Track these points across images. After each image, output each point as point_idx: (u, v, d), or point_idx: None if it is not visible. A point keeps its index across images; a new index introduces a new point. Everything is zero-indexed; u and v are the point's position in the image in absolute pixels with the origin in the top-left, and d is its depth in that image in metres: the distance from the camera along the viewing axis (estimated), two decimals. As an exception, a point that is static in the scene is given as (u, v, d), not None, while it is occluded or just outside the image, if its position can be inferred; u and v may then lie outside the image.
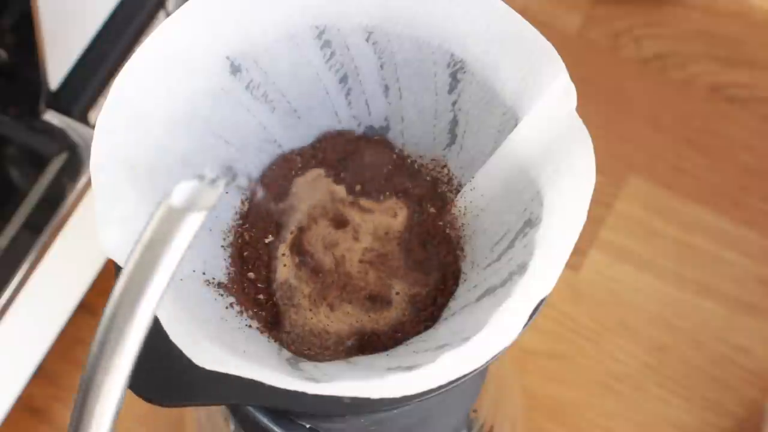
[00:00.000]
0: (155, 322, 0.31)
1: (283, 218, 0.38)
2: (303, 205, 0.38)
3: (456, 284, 0.36)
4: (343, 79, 0.38)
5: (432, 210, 0.38)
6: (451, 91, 0.37)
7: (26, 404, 0.59)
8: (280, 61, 0.37)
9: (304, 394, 0.31)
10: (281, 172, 0.39)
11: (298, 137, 0.39)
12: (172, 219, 0.26)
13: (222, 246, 0.37)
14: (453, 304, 0.36)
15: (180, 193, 0.26)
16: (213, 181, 0.27)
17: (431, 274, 0.37)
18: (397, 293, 0.37)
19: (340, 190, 0.38)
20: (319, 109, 0.39)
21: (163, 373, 0.33)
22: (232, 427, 0.44)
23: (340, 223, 0.38)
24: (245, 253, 0.37)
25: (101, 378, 0.26)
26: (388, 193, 0.39)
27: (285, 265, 0.37)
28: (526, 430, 0.59)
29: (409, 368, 0.32)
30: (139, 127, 0.35)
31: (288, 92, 0.38)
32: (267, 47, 0.37)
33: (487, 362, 0.31)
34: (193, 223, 0.26)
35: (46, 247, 0.54)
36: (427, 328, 0.36)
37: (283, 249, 0.37)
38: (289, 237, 0.38)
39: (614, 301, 0.62)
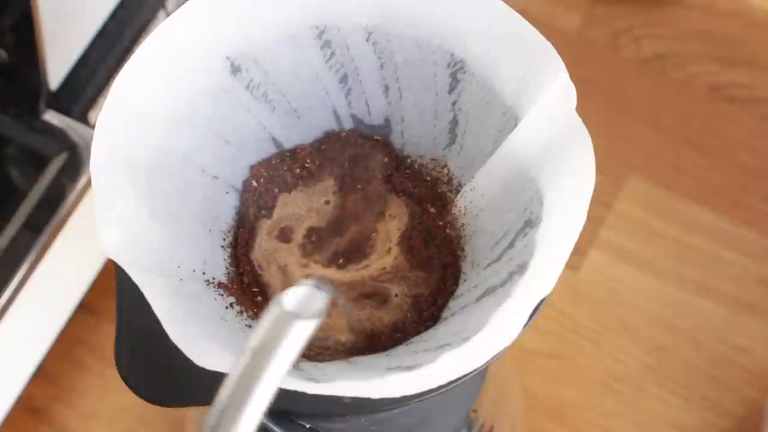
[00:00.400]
0: (155, 322, 0.31)
1: (283, 221, 0.38)
2: (302, 209, 0.38)
3: (456, 284, 0.36)
4: (343, 79, 0.38)
5: (432, 210, 0.38)
6: (451, 91, 0.37)
7: (26, 404, 0.59)
8: (280, 61, 0.37)
9: (304, 394, 0.31)
10: (281, 174, 0.39)
11: (298, 137, 0.39)
12: (283, 324, 0.26)
13: (222, 246, 0.37)
14: (453, 304, 0.36)
15: (291, 298, 0.26)
16: (319, 288, 0.27)
17: (433, 273, 0.37)
18: (396, 295, 0.37)
19: (340, 195, 0.39)
20: (319, 109, 0.39)
21: (163, 373, 0.33)
22: (232, 427, 0.44)
23: (338, 226, 0.38)
24: (245, 254, 0.38)
25: None
26: (388, 193, 0.39)
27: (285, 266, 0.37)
28: (526, 430, 0.59)
29: (409, 368, 0.32)
30: (139, 127, 0.35)
31: (288, 92, 0.38)
32: (267, 47, 0.37)
33: (487, 362, 0.31)
34: (304, 329, 0.26)
35: (46, 247, 0.54)
36: (427, 328, 0.36)
37: (282, 252, 0.37)
38: (289, 240, 0.38)
39: (614, 301, 0.62)
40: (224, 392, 0.26)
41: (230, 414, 0.26)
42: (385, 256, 0.37)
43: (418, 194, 0.38)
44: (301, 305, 0.26)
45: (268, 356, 0.26)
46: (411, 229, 0.38)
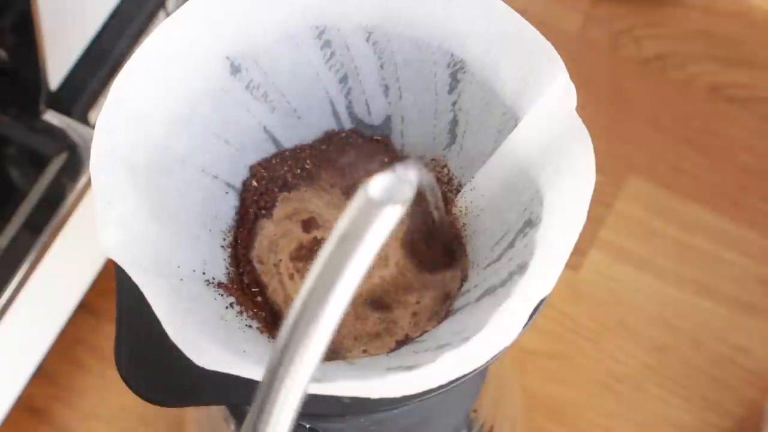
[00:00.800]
0: (155, 322, 0.31)
1: (283, 221, 0.38)
2: (303, 209, 0.38)
3: (462, 283, 0.36)
4: (343, 79, 0.38)
5: (430, 221, 0.38)
6: (451, 91, 0.37)
7: (26, 404, 0.59)
8: (280, 61, 0.37)
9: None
10: (281, 174, 0.39)
11: (298, 137, 0.39)
12: (370, 211, 0.26)
13: (222, 246, 0.37)
14: (454, 304, 0.36)
15: (377, 186, 0.26)
16: (405, 174, 0.26)
17: (437, 273, 0.37)
18: (399, 302, 0.37)
19: (340, 197, 0.38)
20: (319, 109, 0.39)
21: (163, 373, 0.33)
22: (232, 427, 0.45)
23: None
24: (244, 254, 0.38)
25: (285, 371, 0.26)
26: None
27: (284, 273, 0.37)
28: (526, 430, 0.59)
29: (409, 368, 0.32)
30: (139, 127, 0.35)
31: (288, 92, 0.38)
32: (267, 47, 0.37)
33: (487, 362, 0.31)
34: (390, 216, 0.26)
35: (46, 247, 0.54)
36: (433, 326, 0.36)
37: (281, 256, 0.37)
38: (289, 244, 0.38)
39: (614, 301, 0.62)
40: (311, 278, 0.26)
41: (318, 298, 0.25)
42: (388, 257, 0.37)
43: (418, 194, 0.38)
44: (387, 193, 0.26)
45: (355, 243, 0.25)
46: (412, 230, 0.38)
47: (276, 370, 0.26)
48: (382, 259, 0.37)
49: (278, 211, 0.38)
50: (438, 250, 0.37)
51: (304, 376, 0.26)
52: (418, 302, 0.36)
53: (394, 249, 0.37)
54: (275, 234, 0.38)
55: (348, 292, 0.26)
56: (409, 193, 0.26)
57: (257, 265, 0.37)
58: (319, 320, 0.26)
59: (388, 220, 0.26)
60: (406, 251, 0.37)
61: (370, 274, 0.37)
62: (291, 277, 0.37)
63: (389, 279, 0.37)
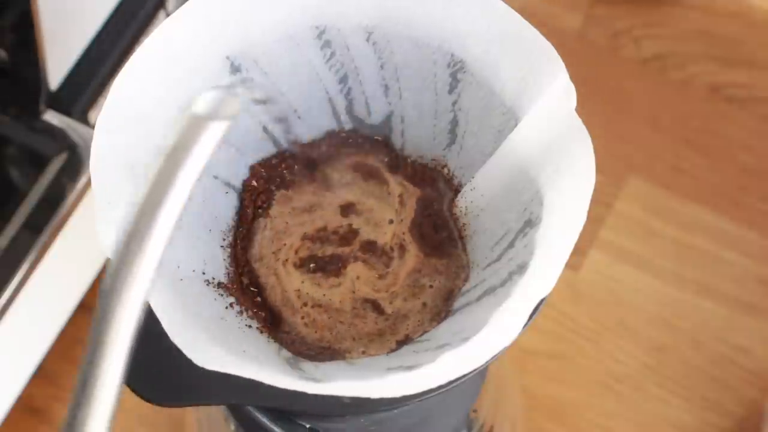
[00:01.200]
0: (155, 322, 0.31)
1: (283, 220, 0.38)
2: (303, 209, 0.38)
3: (466, 279, 0.36)
4: (343, 80, 0.38)
5: (436, 206, 0.38)
6: (451, 91, 0.37)
7: (26, 404, 0.59)
8: (280, 61, 0.37)
9: (304, 394, 0.31)
10: (281, 174, 0.39)
11: (298, 137, 0.39)
12: (196, 127, 0.26)
13: (222, 246, 0.37)
14: (454, 304, 0.36)
15: (203, 102, 0.26)
16: (232, 89, 0.27)
17: (448, 260, 0.37)
18: (431, 285, 0.37)
19: (339, 196, 0.39)
20: (319, 109, 0.39)
21: (163, 373, 0.33)
22: (232, 427, 0.45)
23: (339, 226, 0.38)
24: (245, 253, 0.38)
25: (121, 286, 0.26)
26: (389, 193, 0.39)
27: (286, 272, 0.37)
28: (526, 430, 0.59)
29: (409, 368, 0.32)
30: (139, 127, 0.35)
31: (288, 92, 0.38)
32: (267, 47, 0.37)
33: (487, 362, 0.31)
34: (216, 130, 0.26)
35: (46, 247, 0.54)
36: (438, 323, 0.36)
37: (280, 255, 0.37)
38: (290, 244, 0.38)
39: (614, 301, 0.62)
40: (139, 196, 0.26)
41: (147, 215, 0.26)
42: (398, 250, 0.37)
43: (421, 190, 0.38)
44: (212, 109, 0.27)
45: (182, 158, 0.26)
46: (419, 221, 0.38)
47: (112, 288, 0.26)
48: (395, 248, 0.37)
49: (277, 211, 0.38)
50: (444, 234, 0.37)
51: (139, 292, 0.26)
52: (431, 286, 0.36)
53: (405, 235, 0.37)
54: (275, 233, 0.38)
55: (177, 207, 0.26)
56: (234, 108, 0.26)
57: (256, 264, 0.37)
58: (150, 234, 0.26)
59: (213, 134, 0.26)
60: (414, 235, 0.37)
61: (385, 261, 0.37)
62: (289, 275, 0.37)
63: (403, 267, 0.37)
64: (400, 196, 0.38)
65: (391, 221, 0.38)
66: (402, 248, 0.37)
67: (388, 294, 0.36)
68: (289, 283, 0.37)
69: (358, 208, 0.38)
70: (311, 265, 0.37)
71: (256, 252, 0.38)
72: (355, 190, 0.39)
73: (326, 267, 0.37)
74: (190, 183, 0.26)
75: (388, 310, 0.36)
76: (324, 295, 0.37)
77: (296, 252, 0.37)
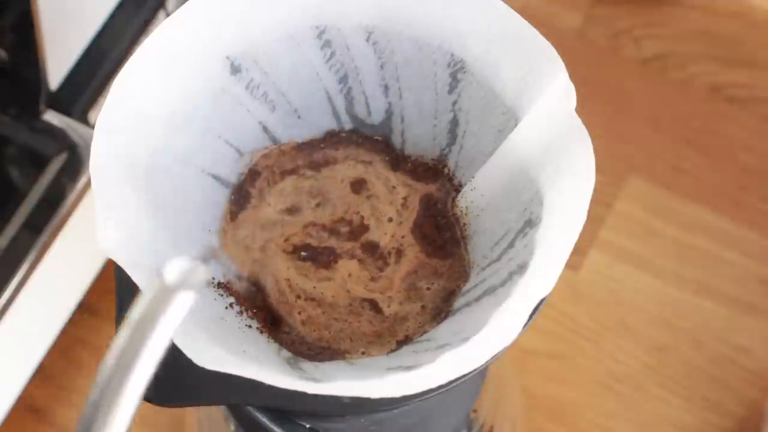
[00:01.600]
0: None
1: (283, 220, 0.38)
2: (303, 208, 0.38)
3: (467, 279, 0.36)
4: (344, 79, 0.38)
5: (439, 206, 0.38)
6: (451, 91, 0.37)
7: (26, 404, 0.59)
8: (280, 61, 0.37)
9: (304, 394, 0.31)
10: (281, 174, 0.39)
11: (299, 137, 0.39)
12: (164, 297, 0.26)
13: (221, 246, 0.37)
14: (454, 303, 0.36)
15: (171, 271, 0.26)
16: (203, 260, 0.27)
17: (449, 260, 0.37)
18: (392, 302, 0.37)
19: (339, 197, 0.38)
20: (319, 109, 0.39)
21: (163, 373, 0.33)
22: (232, 427, 0.45)
23: (340, 225, 0.38)
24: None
25: None
26: (390, 192, 0.39)
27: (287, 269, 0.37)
28: (526, 430, 0.59)
29: (409, 368, 0.32)
30: (139, 127, 0.35)
31: (288, 92, 0.38)
32: (267, 47, 0.37)
33: (487, 362, 0.31)
34: (183, 301, 0.26)
35: (46, 247, 0.54)
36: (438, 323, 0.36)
37: (276, 244, 0.37)
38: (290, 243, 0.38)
39: (614, 301, 0.62)
40: (106, 365, 0.26)
41: (113, 387, 0.26)
42: (395, 255, 0.37)
43: (421, 192, 0.38)
44: (181, 278, 0.26)
45: (149, 329, 0.26)
46: (422, 221, 0.38)
47: None
48: (392, 252, 0.37)
49: (276, 210, 0.38)
50: (447, 234, 0.37)
51: None
52: (429, 288, 0.36)
53: (406, 237, 0.37)
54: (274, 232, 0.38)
55: (143, 378, 0.26)
56: (203, 276, 0.26)
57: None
58: (115, 407, 0.26)
59: (181, 305, 0.26)
60: (416, 236, 0.37)
61: (380, 265, 0.37)
62: (278, 261, 0.37)
63: (404, 267, 0.37)
64: (404, 198, 0.38)
65: (390, 219, 0.38)
66: (399, 253, 0.37)
67: (385, 296, 0.36)
68: (278, 272, 0.37)
69: (359, 212, 0.38)
70: (302, 254, 0.37)
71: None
72: (356, 194, 0.39)
73: (317, 258, 0.37)
74: (158, 355, 0.26)
75: (387, 312, 0.36)
76: (315, 287, 0.36)
77: (288, 239, 0.37)
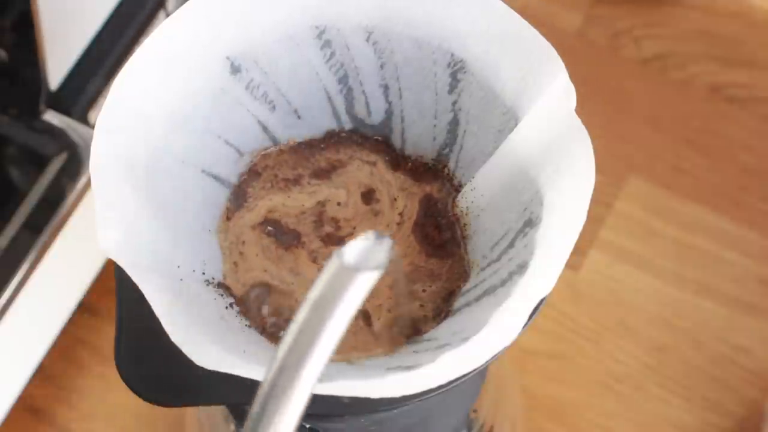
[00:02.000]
0: (155, 322, 0.31)
1: (284, 221, 0.38)
2: (303, 209, 0.38)
3: (466, 280, 0.36)
4: (343, 79, 0.38)
5: (439, 206, 0.38)
6: (451, 91, 0.37)
7: (26, 404, 0.59)
8: (280, 61, 0.37)
9: (304, 394, 0.31)
10: (281, 174, 0.39)
11: (299, 137, 0.39)
12: (344, 277, 0.26)
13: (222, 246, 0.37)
14: (454, 303, 0.36)
15: (351, 252, 0.26)
16: (380, 240, 0.26)
17: (447, 262, 0.37)
18: (423, 291, 0.36)
19: (341, 194, 0.38)
20: (319, 109, 0.39)
21: (163, 373, 0.33)
22: (232, 427, 0.45)
23: (340, 225, 0.38)
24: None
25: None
26: (389, 192, 0.39)
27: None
28: (526, 430, 0.59)
29: (409, 368, 0.31)
30: (139, 127, 0.35)
31: (288, 92, 0.38)
32: (267, 47, 0.37)
33: (487, 362, 0.31)
34: (365, 281, 0.26)
35: (46, 247, 0.54)
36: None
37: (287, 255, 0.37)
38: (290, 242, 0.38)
39: (614, 301, 0.62)
40: (284, 345, 0.25)
41: (291, 368, 0.25)
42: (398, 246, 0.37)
43: (421, 191, 0.38)
44: (362, 257, 0.26)
45: (330, 309, 0.25)
46: (422, 221, 0.38)
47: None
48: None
49: (278, 211, 0.38)
50: (447, 234, 0.37)
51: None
52: (424, 291, 0.36)
53: (404, 237, 0.37)
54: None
55: (323, 359, 0.26)
56: (383, 258, 0.26)
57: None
58: (294, 388, 0.26)
59: (362, 286, 0.26)
60: (416, 237, 0.37)
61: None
62: (250, 235, 0.37)
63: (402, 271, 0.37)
64: (400, 213, 0.38)
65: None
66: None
67: (373, 306, 0.36)
68: (255, 261, 0.37)
69: (359, 211, 0.38)
70: (269, 228, 0.37)
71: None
72: (356, 194, 0.38)
73: (280, 237, 0.37)
74: (338, 335, 0.25)
75: (377, 326, 0.36)
76: (291, 282, 0.36)
77: (302, 252, 0.37)
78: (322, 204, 0.38)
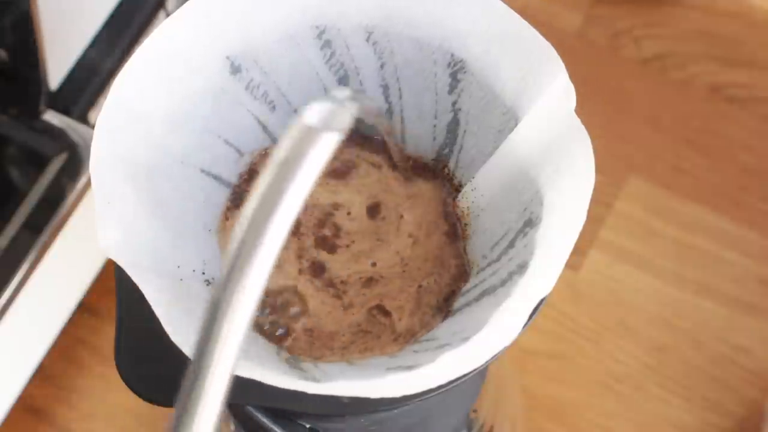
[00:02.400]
0: (155, 322, 0.31)
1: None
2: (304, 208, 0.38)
3: (466, 280, 0.36)
4: (344, 79, 0.38)
5: (439, 206, 0.38)
6: (451, 91, 0.37)
7: (26, 404, 0.59)
8: (280, 61, 0.37)
9: (304, 394, 0.31)
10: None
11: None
12: (308, 137, 0.25)
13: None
14: (454, 303, 0.36)
15: (314, 113, 0.26)
16: (343, 101, 0.26)
17: (445, 263, 0.37)
18: (420, 286, 0.36)
19: (338, 196, 0.38)
20: (320, 109, 0.39)
21: (163, 373, 0.33)
22: (232, 427, 0.45)
23: (330, 246, 0.38)
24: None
25: (230, 296, 0.25)
26: (390, 192, 0.39)
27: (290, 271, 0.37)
28: (526, 430, 0.59)
29: (409, 368, 0.32)
30: (139, 127, 0.35)
31: (288, 92, 0.38)
32: (267, 47, 0.37)
33: (487, 362, 0.31)
34: (329, 142, 0.25)
35: (46, 247, 0.54)
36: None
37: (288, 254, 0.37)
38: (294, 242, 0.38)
39: (614, 301, 0.62)
40: (250, 206, 0.25)
41: (257, 228, 0.25)
42: (397, 245, 0.37)
43: (422, 191, 0.38)
44: (324, 120, 0.26)
45: (294, 169, 0.25)
46: (421, 221, 0.38)
47: (220, 298, 0.25)
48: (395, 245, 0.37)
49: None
50: (448, 234, 0.37)
51: (247, 305, 0.25)
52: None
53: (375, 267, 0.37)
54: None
55: (287, 221, 0.25)
56: (347, 119, 0.26)
57: None
58: (260, 247, 0.25)
59: (326, 147, 0.25)
60: (417, 236, 0.37)
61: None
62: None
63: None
64: (410, 235, 0.38)
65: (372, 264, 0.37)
66: (370, 281, 0.37)
67: (395, 306, 0.36)
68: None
69: (358, 211, 0.38)
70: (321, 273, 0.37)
71: None
72: (356, 194, 0.38)
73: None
74: (303, 194, 0.25)
75: (399, 326, 0.36)
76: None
77: (300, 250, 0.37)
78: (335, 206, 0.38)
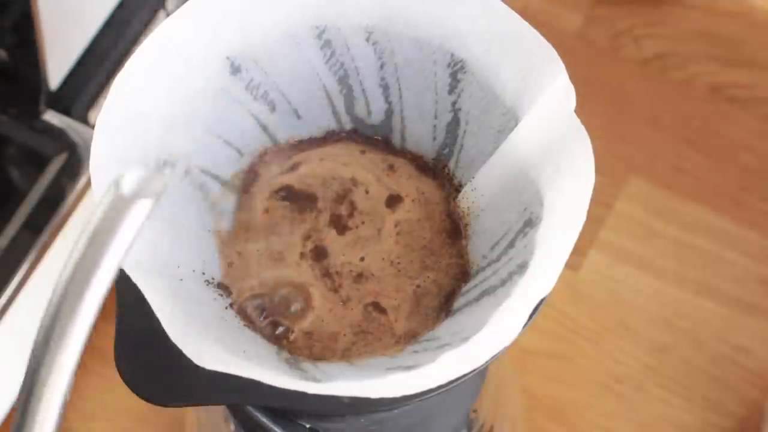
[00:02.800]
0: (155, 322, 0.31)
1: (285, 220, 0.38)
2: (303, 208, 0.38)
3: (466, 280, 0.36)
4: (344, 79, 0.38)
5: (439, 206, 0.38)
6: (451, 91, 0.37)
7: (26, 404, 0.59)
8: (280, 61, 0.37)
9: (304, 394, 0.31)
10: (281, 174, 0.39)
11: (298, 137, 0.39)
12: (120, 206, 0.25)
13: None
14: (454, 303, 0.36)
15: (128, 181, 0.26)
16: (159, 169, 0.26)
17: (445, 259, 0.37)
18: (418, 286, 0.36)
19: (339, 197, 0.38)
20: (319, 109, 0.39)
21: (163, 373, 0.33)
22: (232, 427, 0.45)
23: (341, 226, 0.38)
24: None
25: (45, 374, 0.26)
26: (390, 192, 0.39)
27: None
28: (526, 430, 0.59)
29: (409, 368, 0.32)
30: (139, 127, 0.35)
31: (288, 92, 0.38)
32: (267, 47, 0.37)
33: (487, 362, 0.31)
34: (141, 210, 0.25)
35: (46, 247, 0.54)
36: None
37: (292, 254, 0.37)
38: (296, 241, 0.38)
39: (614, 301, 0.62)
40: (63, 278, 0.25)
41: (70, 301, 0.25)
42: (388, 245, 0.37)
43: (423, 190, 0.38)
44: (138, 188, 0.26)
45: (106, 239, 0.25)
46: (421, 221, 0.38)
47: (34, 373, 0.26)
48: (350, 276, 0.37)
49: (276, 209, 0.38)
50: (448, 233, 0.37)
51: (62, 380, 0.26)
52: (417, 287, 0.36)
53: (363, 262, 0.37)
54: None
55: (101, 290, 0.25)
56: (160, 186, 0.26)
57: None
58: (75, 320, 0.26)
59: (139, 215, 0.25)
60: (416, 236, 0.37)
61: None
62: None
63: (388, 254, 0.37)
64: (397, 225, 0.38)
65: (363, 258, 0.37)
66: (360, 276, 0.37)
67: (391, 306, 0.36)
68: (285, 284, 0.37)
69: (358, 211, 0.38)
70: (282, 194, 0.37)
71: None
72: (356, 194, 0.38)
73: (296, 200, 0.37)
74: (115, 266, 0.25)
75: (397, 328, 0.36)
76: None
77: (301, 249, 0.37)
78: (354, 182, 0.38)
